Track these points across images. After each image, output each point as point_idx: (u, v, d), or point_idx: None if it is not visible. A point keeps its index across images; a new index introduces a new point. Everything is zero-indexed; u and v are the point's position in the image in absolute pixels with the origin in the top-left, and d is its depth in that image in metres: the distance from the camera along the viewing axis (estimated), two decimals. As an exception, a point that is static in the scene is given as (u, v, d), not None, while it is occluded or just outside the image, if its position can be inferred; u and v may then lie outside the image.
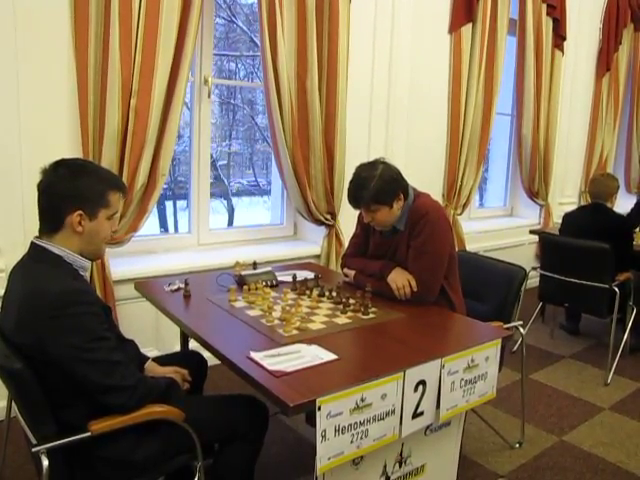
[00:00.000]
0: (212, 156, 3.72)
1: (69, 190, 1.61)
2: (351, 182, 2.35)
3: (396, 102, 4.12)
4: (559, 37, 5.21)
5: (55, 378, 1.54)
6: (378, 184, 2.27)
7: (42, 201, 1.64)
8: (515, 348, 3.82)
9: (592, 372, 3.64)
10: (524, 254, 5.08)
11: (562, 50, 5.28)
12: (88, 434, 1.53)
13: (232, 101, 7.89)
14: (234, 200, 8.26)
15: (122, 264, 3.12)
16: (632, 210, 4.52)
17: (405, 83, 4.15)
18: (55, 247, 1.63)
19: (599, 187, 3.85)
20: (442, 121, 4.51)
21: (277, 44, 3.31)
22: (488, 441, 2.77)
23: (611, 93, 6.03)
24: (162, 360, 2.10)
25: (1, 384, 1.66)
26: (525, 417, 2.84)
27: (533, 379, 3.50)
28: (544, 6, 4.98)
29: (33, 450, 1.50)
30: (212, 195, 3.72)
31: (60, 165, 1.64)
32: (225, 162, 8.23)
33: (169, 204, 7.65)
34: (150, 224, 3.31)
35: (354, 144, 3.82)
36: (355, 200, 2.34)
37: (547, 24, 5.06)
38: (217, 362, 2.21)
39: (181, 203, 7.65)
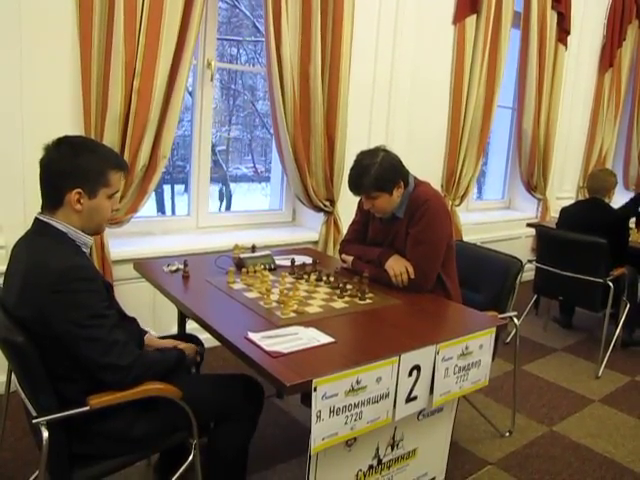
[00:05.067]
0: (211, 141, 3.72)
1: (69, 168, 1.61)
2: (352, 169, 2.37)
3: (398, 91, 4.12)
4: (563, 31, 5.21)
5: (55, 352, 1.56)
6: (379, 171, 2.29)
7: (43, 178, 1.65)
8: (509, 339, 3.85)
9: (584, 365, 3.68)
10: (520, 247, 5.11)
11: (565, 44, 5.28)
12: (87, 408, 1.55)
13: (233, 86, 7.86)
14: (232, 186, 8.25)
15: (121, 245, 3.14)
16: (628, 202, 4.53)
17: (408, 72, 4.16)
18: (58, 223, 1.64)
19: (597, 182, 3.87)
20: (443, 112, 4.51)
21: (281, 30, 3.30)
22: (479, 429, 2.81)
23: (613, 89, 6.04)
24: (160, 341, 2.12)
25: (0, 358, 1.68)
26: (516, 407, 2.88)
27: (525, 370, 3.54)
28: (549, 0, 4.97)
29: (33, 422, 1.52)
30: (210, 180, 3.72)
31: (62, 142, 1.64)
32: (224, 148, 8.21)
33: (167, 188, 7.64)
34: (147, 207, 3.32)
35: (355, 131, 3.82)
36: (355, 186, 2.36)
37: (552, 18, 5.05)
38: (212, 345, 2.24)
39: (179, 187, 7.65)
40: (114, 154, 1.79)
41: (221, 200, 7.74)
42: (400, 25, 4.00)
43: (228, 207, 7.71)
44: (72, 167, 1.61)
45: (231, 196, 7.98)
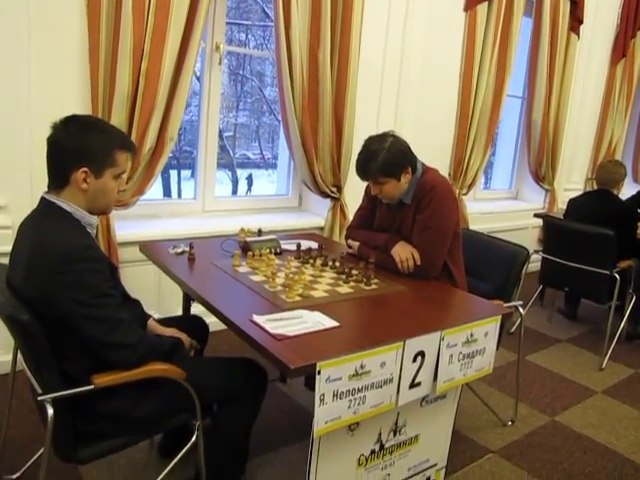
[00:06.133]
0: (219, 126, 3.71)
1: (76, 147, 1.60)
2: (360, 153, 2.35)
3: (407, 77, 4.09)
4: (576, 20, 5.14)
5: (60, 331, 1.56)
6: (387, 156, 2.28)
7: (50, 156, 1.64)
8: (513, 329, 3.85)
9: (587, 356, 3.68)
10: (527, 237, 5.08)
11: (578, 34, 5.21)
12: (91, 387, 1.56)
13: (241, 72, 7.84)
14: (238, 172, 8.25)
15: (127, 227, 3.14)
16: (636, 193, 4.50)
17: (417, 59, 4.12)
18: (64, 203, 1.63)
19: (606, 173, 3.84)
20: (452, 99, 4.48)
21: (290, 13, 3.27)
22: (481, 417, 2.81)
23: (625, 80, 5.97)
24: (165, 322, 2.12)
25: (7, 338, 1.69)
26: (519, 396, 2.89)
27: (529, 360, 3.54)
28: (562, -13, 4.92)
29: (39, 399, 1.53)
30: (217, 165, 3.71)
31: (70, 121, 1.63)
32: (231, 134, 8.20)
33: (173, 173, 7.65)
34: (154, 191, 3.32)
35: (363, 118, 3.80)
36: (363, 171, 2.34)
37: (564, 6, 4.99)
38: (217, 329, 2.25)
39: (185, 173, 7.66)
40: (122, 134, 1.78)
41: (248, 185, 7.75)
42: (411, 11, 3.96)
43: (234, 192, 7.72)
44: (79, 146, 1.61)
45: (237, 181, 7.98)
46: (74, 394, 1.56)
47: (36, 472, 1.79)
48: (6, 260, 1.72)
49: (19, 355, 1.70)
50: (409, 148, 2.38)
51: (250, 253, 2.39)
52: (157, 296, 3.25)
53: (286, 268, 2.25)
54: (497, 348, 2.09)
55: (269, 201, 4.05)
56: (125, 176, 1.77)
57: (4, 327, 1.61)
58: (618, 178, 3.85)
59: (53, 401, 1.53)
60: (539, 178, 5.46)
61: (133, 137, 2.86)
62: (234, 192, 7.65)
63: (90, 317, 1.54)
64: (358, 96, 3.72)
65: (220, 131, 3.79)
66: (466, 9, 4.33)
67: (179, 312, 2.78)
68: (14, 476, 2.11)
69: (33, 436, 2.34)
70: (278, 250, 2.53)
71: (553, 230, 3.84)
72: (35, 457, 2.12)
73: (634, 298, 3.68)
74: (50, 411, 1.52)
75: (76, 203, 1.65)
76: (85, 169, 1.61)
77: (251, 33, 7.52)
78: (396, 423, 1.92)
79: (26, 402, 2.34)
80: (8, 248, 1.73)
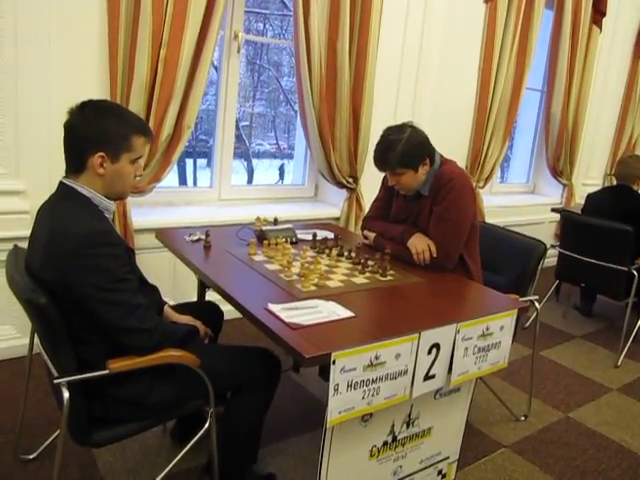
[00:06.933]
0: (236, 115, 3.71)
1: (92, 131, 1.61)
2: (378, 144, 2.34)
3: (426, 69, 4.06)
4: (598, 13, 5.05)
5: (77, 315, 1.57)
6: (405, 147, 2.26)
7: (67, 141, 1.64)
8: (528, 324, 3.83)
9: (603, 353, 3.64)
10: (544, 232, 5.03)
11: (600, 27, 5.13)
12: (106, 372, 1.57)
13: (258, 62, 7.82)
14: (254, 162, 8.25)
15: (143, 214, 3.15)
16: None
17: (436, 50, 4.08)
18: (82, 187, 1.64)
19: (626, 168, 3.79)
20: (471, 91, 4.44)
21: (310, 4, 3.25)
22: (494, 412, 2.80)
23: (647, 75, 5.87)
24: (180, 308, 2.13)
25: (24, 321, 1.70)
26: (533, 392, 2.87)
27: (543, 356, 3.51)
28: (585, -21, 4.84)
29: (55, 382, 1.54)
30: (233, 155, 3.71)
31: (86, 106, 1.64)
32: (247, 123, 8.20)
33: (189, 162, 7.66)
34: (170, 179, 3.32)
35: (381, 109, 3.78)
36: (381, 162, 2.33)
37: (587, -1, 4.91)
38: (231, 317, 2.25)
39: (201, 162, 7.67)
40: (138, 119, 1.77)
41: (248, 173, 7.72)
42: (431, 1, 3.92)
43: (250, 182, 7.72)
44: (95, 130, 1.61)
45: (253, 171, 7.98)
46: (89, 378, 1.58)
47: (52, 453, 1.81)
48: (25, 244, 1.73)
49: (36, 338, 1.72)
50: (427, 139, 2.36)
51: (266, 242, 2.39)
52: (172, 283, 3.27)
53: (302, 258, 2.25)
54: (512, 342, 2.08)
55: (285, 190, 4.04)
56: (142, 161, 1.77)
57: (22, 310, 1.62)
58: (638, 174, 3.79)
59: (68, 384, 1.54)
60: (557, 172, 5.40)
61: (151, 124, 2.86)
62: (249, 181, 7.65)
63: (107, 301, 1.55)
64: (376, 86, 3.69)
65: (237, 120, 3.79)
66: (487, 1, 4.27)
67: (194, 299, 2.78)
68: (31, 456, 2.14)
69: (49, 418, 2.36)
70: (294, 239, 2.53)
71: (571, 225, 3.80)
72: (51, 439, 2.15)
73: (652, 295, 3.63)
74: (66, 394, 1.53)
75: (94, 188, 1.65)
76: (102, 154, 1.61)
77: (269, 22, 7.49)
78: (409, 415, 1.92)
79: (43, 385, 2.37)
80: (27, 232, 1.74)
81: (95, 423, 1.67)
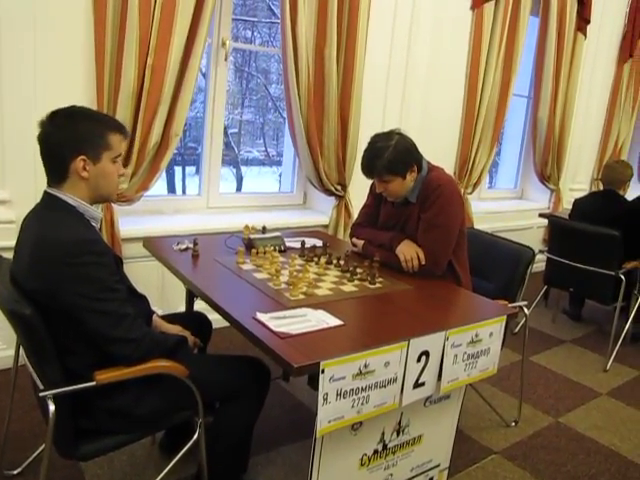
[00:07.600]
0: (224, 123, 3.70)
1: (69, 136, 1.60)
2: (366, 151, 2.34)
3: (413, 76, 4.07)
4: (583, 20, 5.10)
5: (63, 325, 1.55)
6: (392, 154, 2.26)
7: (44, 152, 1.63)
8: (517, 329, 3.83)
9: (592, 358, 3.66)
10: (532, 237, 5.07)
11: (585, 34, 5.18)
12: (93, 383, 1.55)
13: (246, 69, 7.81)
14: (243, 169, 8.23)
15: (131, 222, 3.13)
16: None
17: (424, 57, 4.10)
18: (67, 196, 1.63)
19: (612, 173, 3.82)
20: (458, 98, 4.46)
21: (297, 11, 3.26)
22: (485, 418, 2.80)
23: (632, 80, 5.92)
24: (168, 318, 2.11)
25: (10, 332, 1.68)
26: (523, 397, 2.86)
27: (533, 361, 3.52)
28: (570, -13, 4.88)
29: (40, 395, 1.52)
30: (222, 162, 3.70)
31: (55, 114, 1.63)
32: (236, 130, 8.18)
33: (178, 170, 7.63)
34: (158, 187, 3.30)
35: (369, 116, 3.79)
36: (369, 169, 2.33)
37: (572, 6, 4.95)
38: (220, 326, 2.23)
39: (190, 169, 7.64)
40: (110, 118, 1.79)
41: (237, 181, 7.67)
42: (418, 9, 3.94)
43: (239, 189, 7.70)
44: (72, 135, 1.60)
45: (242, 178, 7.96)
46: (76, 390, 1.56)
47: (37, 468, 1.79)
48: (10, 254, 1.71)
49: (21, 350, 1.69)
50: (415, 146, 2.36)
51: (254, 250, 2.38)
52: (161, 292, 3.25)
53: (290, 266, 2.24)
54: (501, 348, 2.08)
55: (274, 198, 4.03)
56: (120, 160, 1.75)
57: (7, 322, 1.60)
58: (624, 178, 3.82)
59: (54, 397, 1.52)
60: (544, 178, 5.44)
61: (138, 132, 2.85)
62: (238, 189, 7.63)
63: (94, 310, 1.53)
64: (364, 94, 3.70)
65: (225, 127, 3.78)
66: (473, 7, 4.30)
67: (182, 309, 2.77)
68: (15, 471, 2.10)
69: (35, 431, 2.33)
70: (282, 248, 2.52)
71: (558, 230, 3.82)
72: (36, 453, 2.12)
73: (639, 299, 3.65)
74: (51, 407, 1.51)
75: (79, 195, 1.64)
76: (83, 157, 1.60)
77: (257, 30, 7.49)
78: (399, 423, 1.91)
79: (28, 397, 2.32)
80: (12, 243, 1.73)
81: (82, 435, 1.64)
